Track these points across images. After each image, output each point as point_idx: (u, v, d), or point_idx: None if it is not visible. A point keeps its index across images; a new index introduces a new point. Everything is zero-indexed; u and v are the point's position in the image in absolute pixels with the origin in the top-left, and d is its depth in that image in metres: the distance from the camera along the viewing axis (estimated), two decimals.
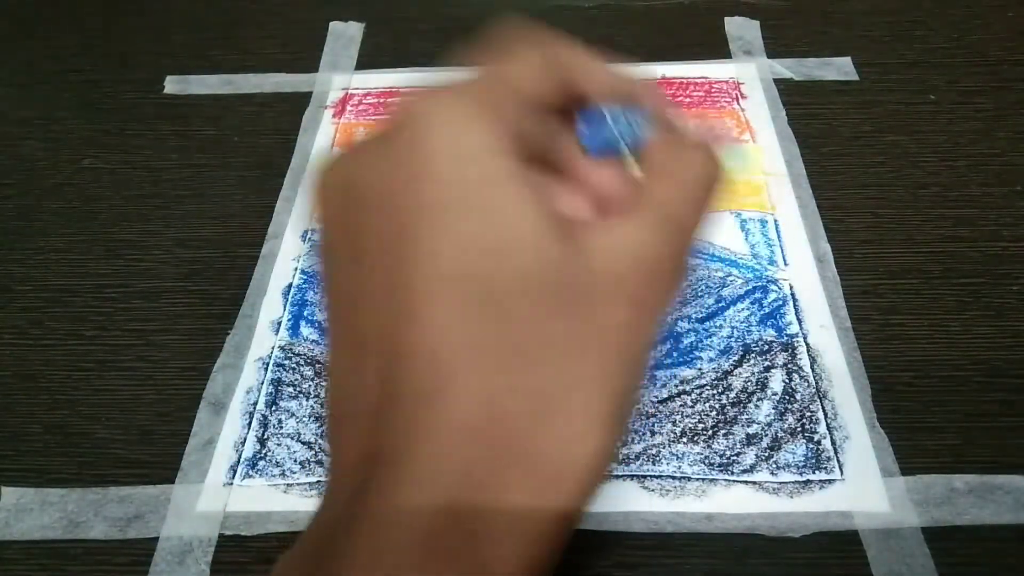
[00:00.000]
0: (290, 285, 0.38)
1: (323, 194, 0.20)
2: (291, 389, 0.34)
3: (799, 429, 0.32)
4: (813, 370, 0.33)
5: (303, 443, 0.32)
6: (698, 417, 0.32)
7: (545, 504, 0.16)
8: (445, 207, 0.17)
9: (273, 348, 0.35)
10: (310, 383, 0.34)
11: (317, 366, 0.35)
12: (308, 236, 0.40)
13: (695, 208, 0.20)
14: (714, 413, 0.32)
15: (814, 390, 0.33)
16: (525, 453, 0.16)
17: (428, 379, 0.16)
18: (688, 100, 0.46)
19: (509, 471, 0.16)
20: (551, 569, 0.17)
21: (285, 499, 0.31)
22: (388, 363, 0.17)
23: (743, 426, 0.32)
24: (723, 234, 0.39)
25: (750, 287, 0.37)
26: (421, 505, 0.16)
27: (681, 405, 0.33)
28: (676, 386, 0.33)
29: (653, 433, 0.32)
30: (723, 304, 0.36)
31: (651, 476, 0.31)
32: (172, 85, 0.49)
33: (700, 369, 0.34)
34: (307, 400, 0.34)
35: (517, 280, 0.17)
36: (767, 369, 0.34)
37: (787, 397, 0.33)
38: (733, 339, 0.35)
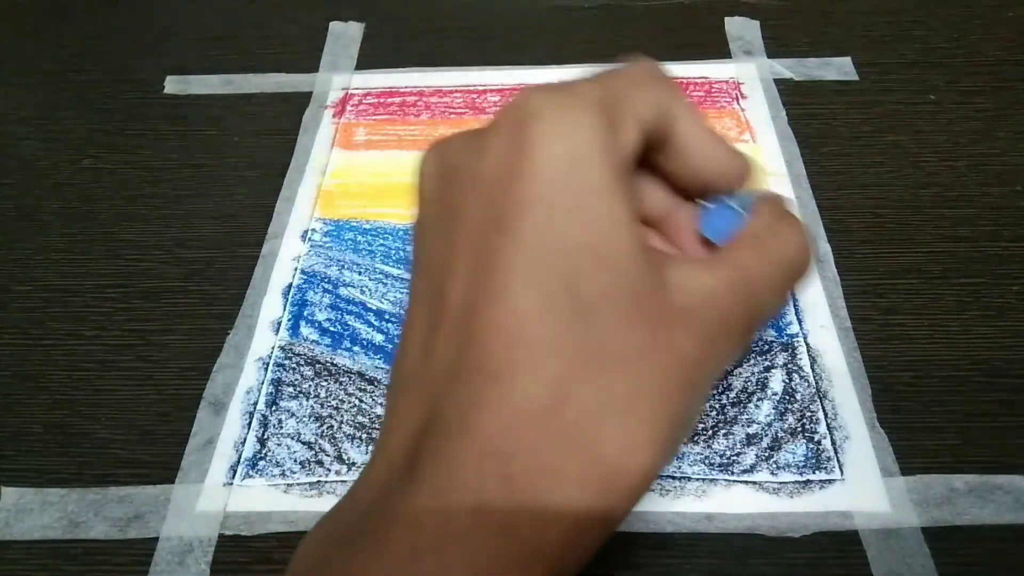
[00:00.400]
0: (290, 285, 0.38)
1: (425, 171, 0.21)
2: (291, 389, 0.34)
3: (799, 429, 0.32)
4: (813, 370, 0.33)
5: (303, 443, 0.32)
6: (698, 417, 0.32)
7: (596, 502, 0.17)
8: (546, 205, 0.17)
9: (273, 348, 0.35)
10: (310, 383, 0.34)
11: (317, 366, 0.35)
12: (308, 236, 0.40)
13: (774, 281, 0.20)
14: (714, 413, 0.32)
15: (814, 390, 0.33)
16: (585, 448, 0.17)
17: (502, 358, 0.17)
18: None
19: (568, 462, 0.17)
20: (581, 569, 0.18)
21: (285, 499, 0.31)
22: (465, 336, 0.17)
23: (743, 426, 0.32)
24: None
25: None
26: (479, 480, 0.16)
27: None
28: None
29: None
30: None
31: None
32: (172, 85, 0.49)
33: None
34: (307, 400, 0.34)
35: (605, 285, 0.17)
36: (767, 369, 0.34)
37: (787, 397, 0.33)
38: None
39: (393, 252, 0.39)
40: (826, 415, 0.32)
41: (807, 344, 0.34)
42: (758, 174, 0.22)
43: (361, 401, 0.33)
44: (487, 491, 0.16)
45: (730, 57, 0.49)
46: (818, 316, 0.35)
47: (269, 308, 0.37)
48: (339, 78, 0.49)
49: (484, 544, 0.16)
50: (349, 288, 0.38)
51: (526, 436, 0.16)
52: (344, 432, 0.33)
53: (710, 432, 0.32)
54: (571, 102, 0.18)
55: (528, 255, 0.17)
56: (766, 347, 0.34)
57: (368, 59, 0.50)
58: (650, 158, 0.21)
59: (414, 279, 0.21)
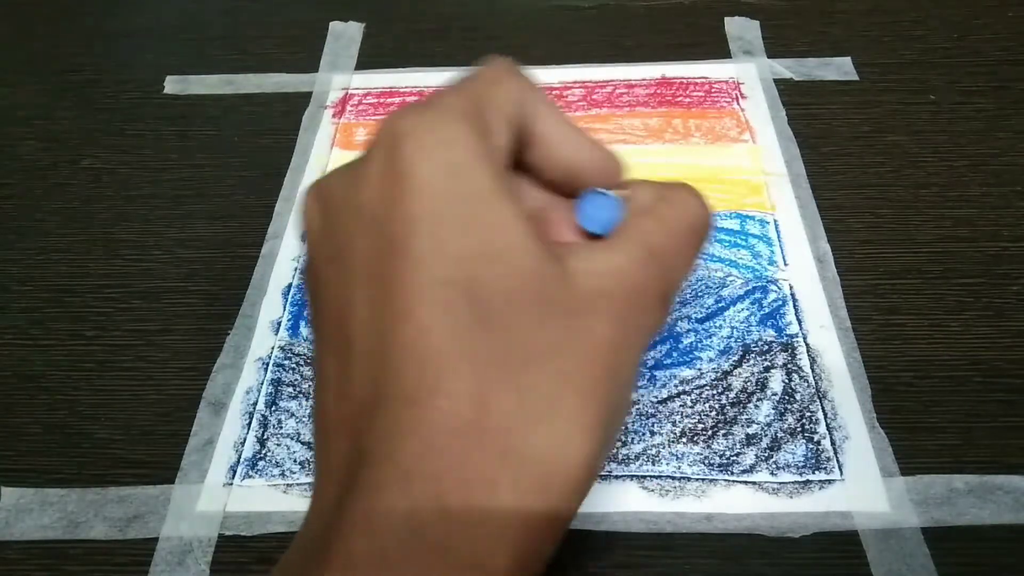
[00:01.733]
0: (290, 285, 0.38)
1: (308, 214, 0.20)
2: (291, 389, 0.34)
3: (799, 429, 0.32)
4: (813, 370, 0.33)
5: (303, 443, 0.32)
6: (698, 417, 0.32)
7: (535, 505, 0.17)
8: (433, 218, 0.17)
9: (273, 348, 0.35)
10: (310, 383, 0.34)
11: None
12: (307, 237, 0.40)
13: (678, 246, 0.20)
14: (714, 413, 0.32)
15: (814, 390, 0.33)
16: (515, 454, 0.17)
17: (417, 379, 0.17)
18: (688, 100, 0.46)
19: (499, 471, 0.16)
20: (544, 568, 0.18)
21: (285, 499, 0.31)
22: (376, 366, 0.17)
23: (743, 426, 0.32)
24: (722, 234, 0.39)
25: (750, 287, 0.37)
26: (409, 503, 0.16)
27: (681, 405, 0.33)
28: (676, 386, 0.33)
29: (653, 433, 0.32)
30: (723, 304, 0.36)
31: (651, 476, 0.31)
32: (172, 85, 0.49)
33: (700, 369, 0.34)
34: (307, 400, 0.34)
35: (505, 288, 0.17)
36: (767, 369, 0.34)
37: (787, 397, 0.33)
38: (733, 339, 0.35)
39: None
40: (826, 415, 0.32)
41: (807, 344, 0.34)
42: (628, 170, 0.22)
43: None
44: (420, 514, 0.16)
45: (730, 57, 0.49)
46: (818, 316, 0.35)
47: (269, 308, 0.37)
48: (339, 78, 0.49)
49: (424, 568, 0.16)
50: None
51: (452, 453, 0.16)
52: None
53: (710, 432, 0.32)
54: (439, 116, 0.18)
55: (424, 271, 0.17)
56: (766, 347, 0.34)
57: (368, 59, 0.50)
58: (519, 157, 0.21)
59: (315, 324, 0.20)
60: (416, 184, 0.17)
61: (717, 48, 0.49)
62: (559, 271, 0.18)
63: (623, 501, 0.30)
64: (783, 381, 0.33)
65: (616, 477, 0.31)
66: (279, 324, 0.36)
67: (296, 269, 0.39)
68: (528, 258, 0.17)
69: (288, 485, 0.31)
